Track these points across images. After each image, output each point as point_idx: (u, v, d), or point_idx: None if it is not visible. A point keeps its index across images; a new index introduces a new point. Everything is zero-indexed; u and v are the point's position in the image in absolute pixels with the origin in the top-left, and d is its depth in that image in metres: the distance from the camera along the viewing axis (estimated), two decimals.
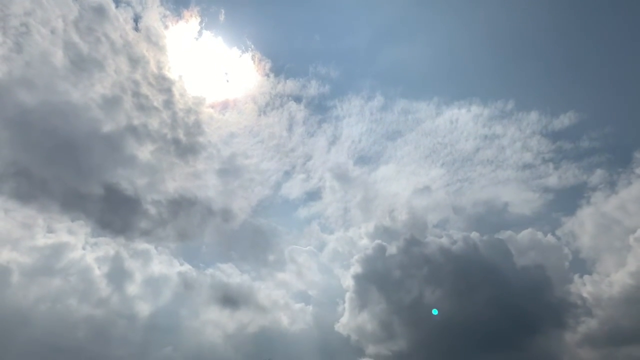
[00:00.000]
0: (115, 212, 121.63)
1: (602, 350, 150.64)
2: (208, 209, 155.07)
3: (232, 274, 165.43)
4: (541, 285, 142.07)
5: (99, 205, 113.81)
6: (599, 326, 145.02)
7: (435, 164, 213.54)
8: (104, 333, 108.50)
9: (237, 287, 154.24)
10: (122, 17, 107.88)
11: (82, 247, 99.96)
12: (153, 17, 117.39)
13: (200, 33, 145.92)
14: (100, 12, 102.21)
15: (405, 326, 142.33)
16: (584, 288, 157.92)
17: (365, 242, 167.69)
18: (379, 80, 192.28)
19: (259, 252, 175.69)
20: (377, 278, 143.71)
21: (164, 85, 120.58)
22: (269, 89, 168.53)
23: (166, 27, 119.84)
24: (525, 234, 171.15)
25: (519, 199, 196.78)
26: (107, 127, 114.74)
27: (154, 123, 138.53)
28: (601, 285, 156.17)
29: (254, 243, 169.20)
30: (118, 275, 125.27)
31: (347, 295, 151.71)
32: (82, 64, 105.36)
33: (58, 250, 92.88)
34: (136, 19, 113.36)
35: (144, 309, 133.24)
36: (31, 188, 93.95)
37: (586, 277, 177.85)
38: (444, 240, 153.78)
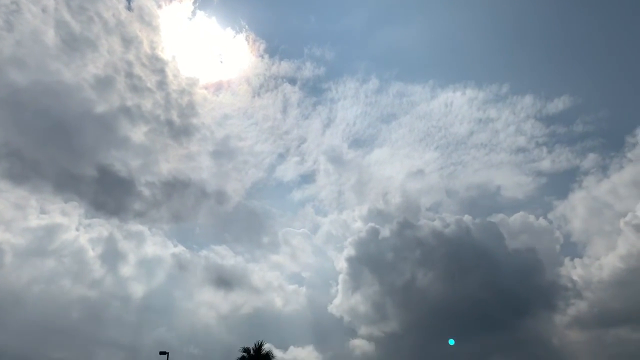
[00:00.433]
0: (108, 194, 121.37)
1: (591, 332, 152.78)
2: (202, 190, 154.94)
3: (226, 256, 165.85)
4: (532, 268, 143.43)
5: (92, 187, 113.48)
6: (589, 308, 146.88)
7: (429, 147, 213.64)
8: (98, 314, 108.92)
9: (231, 269, 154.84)
10: None
11: (76, 228, 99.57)
12: None
13: (193, 13, 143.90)
14: None
15: (398, 308, 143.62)
16: (575, 271, 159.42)
17: (358, 224, 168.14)
18: (375, 62, 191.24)
19: (253, 234, 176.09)
20: (370, 260, 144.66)
21: (157, 65, 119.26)
22: (263, 71, 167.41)
23: (159, 6, 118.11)
24: (517, 217, 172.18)
25: (512, 182, 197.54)
26: (100, 108, 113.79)
27: (147, 104, 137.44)
28: (591, 269, 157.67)
29: (247, 225, 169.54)
30: (112, 256, 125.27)
31: (340, 277, 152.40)
32: (74, 44, 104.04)
33: (51, 231, 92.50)
34: None
35: (137, 290, 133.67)
36: (23, 169, 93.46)
37: (577, 260, 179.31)
38: (437, 224, 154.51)
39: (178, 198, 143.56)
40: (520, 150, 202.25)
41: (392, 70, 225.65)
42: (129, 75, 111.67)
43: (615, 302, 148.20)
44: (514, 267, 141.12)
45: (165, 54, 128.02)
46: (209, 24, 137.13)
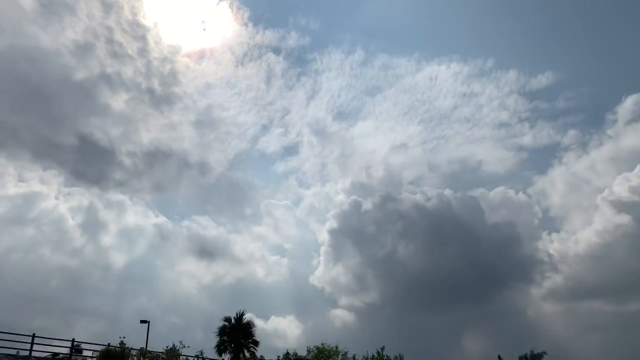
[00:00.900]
0: (89, 162, 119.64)
1: (565, 304, 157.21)
2: (184, 161, 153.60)
3: (208, 227, 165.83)
4: (511, 242, 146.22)
5: (72, 155, 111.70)
6: (564, 281, 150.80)
7: (413, 120, 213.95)
8: (78, 283, 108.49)
9: (213, 240, 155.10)
10: None
11: (55, 196, 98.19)
12: None
13: None
14: None
15: (378, 279, 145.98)
16: (552, 245, 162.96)
17: (341, 197, 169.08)
18: (360, 33, 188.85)
19: (236, 205, 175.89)
20: (352, 233, 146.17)
21: (139, 32, 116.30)
22: (247, 39, 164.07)
23: None
24: (497, 192, 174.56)
25: (494, 157, 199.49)
26: (80, 75, 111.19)
27: (128, 71, 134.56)
28: (568, 243, 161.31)
29: (230, 196, 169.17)
30: (92, 225, 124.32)
31: (322, 249, 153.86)
32: (52, 7, 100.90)
33: (30, 199, 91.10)
34: None
35: (118, 259, 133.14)
36: (0, 136, 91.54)
37: (554, 234, 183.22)
38: (419, 197, 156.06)
39: (159, 168, 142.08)
40: (502, 125, 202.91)
41: (377, 42, 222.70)
42: (109, 41, 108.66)
43: (590, 276, 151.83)
44: (493, 240, 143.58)
45: (146, 20, 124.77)
46: None
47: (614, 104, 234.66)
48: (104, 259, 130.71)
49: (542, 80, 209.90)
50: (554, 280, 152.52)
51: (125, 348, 27.42)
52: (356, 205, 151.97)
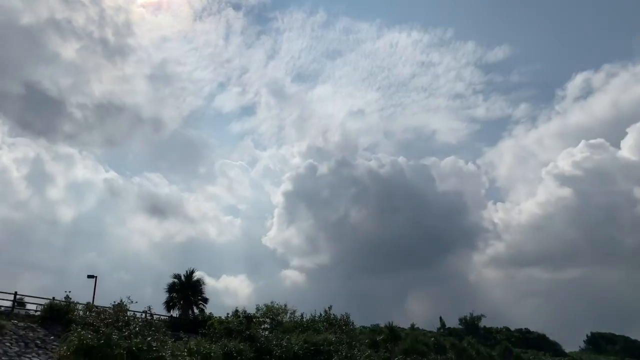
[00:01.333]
0: (36, 113, 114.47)
1: (505, 270, 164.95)
2: (137, 116, 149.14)
3: (160, 184, 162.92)
4: (458, 210, 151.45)
5: (17, 104, 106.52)
6: (505, 249, 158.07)
7: (371, 87, 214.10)
8: (23, 236, 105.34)
9: (165, 197, 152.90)
10: None
11: None
12: None
13: None
14: None
15: (330, 242, 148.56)
16: (496, 214, 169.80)
17: (297, 160, 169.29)
18: None
19: (189, 163, 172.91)
20: (306, 196, 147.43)
21: None
22: None
23: None
24: (448, 161, 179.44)
25: (447, 127, 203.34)
26: (26, 19, 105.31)
27: (79, 19, 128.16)
28: (511, 213, 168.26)
29: (184, 154, 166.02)
30: (39, 178, 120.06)
31: (276, 211, 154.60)
32: None
33: None
34: None
35: (66, 213, 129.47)
36: None
37: (499, 204, 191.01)
38: (373, 164, 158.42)
39: (111, 122, 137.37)
40: (458, 96, 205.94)
41: (340, 4, 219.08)
42: None
43: (530, 245, 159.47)
44: (441, 208, 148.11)
45: None
46: None
47: (565, 80, 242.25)
48: (51, 213, 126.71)
49: (499, 53, 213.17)
50: (496, 247, 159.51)
51: (70, 303, 27.17)
52: (312, 169, 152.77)
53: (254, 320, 32.69)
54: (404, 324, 75.99)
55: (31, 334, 24.02)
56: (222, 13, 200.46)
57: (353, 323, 40.10)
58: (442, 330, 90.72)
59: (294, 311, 37.67)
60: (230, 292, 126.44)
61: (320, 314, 38.98)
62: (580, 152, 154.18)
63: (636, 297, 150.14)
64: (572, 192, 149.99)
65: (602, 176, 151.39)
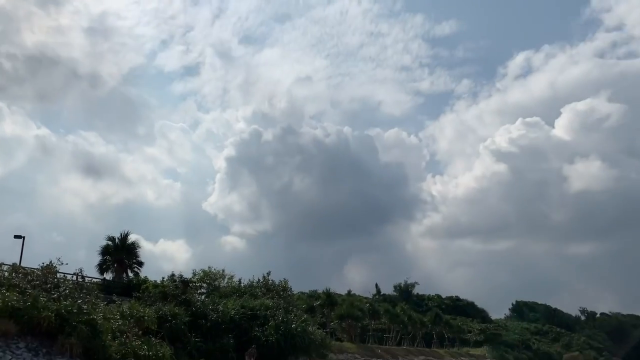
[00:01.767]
0: None
1: (440, 241, 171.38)
2: (72, 70, 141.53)
3: (96, 143, 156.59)
4: (399, 181, 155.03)
5: None
6: (441, 221, 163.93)
7: (320, 54, 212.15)
8: None
9: (101, 157, 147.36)
10: None
11: None
12: None
13: None
14: None
15: (272, 209, 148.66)
16: (434, 187, 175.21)
17: (241, 125, 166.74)
18: None
19: (128, 123, 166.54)
20: (250, 162, 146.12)
21: None
22: None
23: None
24: (391, 133, 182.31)
25: (392, 99, 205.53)
26: None
27: None
28: (449, 186, 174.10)
29: (122, 113, 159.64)
30: None
31: (218, 176, 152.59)
32: None
33: None
34: None
35: None
36: None
37: (438, 177, 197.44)
38: (319, 132, 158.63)
39: (44, 76, 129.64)
40: (404, 68, 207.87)
41: None
42: None
43: (464, 217, 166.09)
44: (383, 179, 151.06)
45: None
46: None
47: (507, 58, 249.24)
48: None
49: (446, 28, 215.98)
50: (433, 219, 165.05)
51: None
52: (256, 135, 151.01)
53: (190, 284, 32.44)
54: (341, 290, 77.85)
55: None
56: None
57: (291, 289, 40.53)
58: (377, 297, 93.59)
59: (232, 277, 37.62)
60: (168, 256, 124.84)
61: (259, 280, 39.12)
62: (516, 129, 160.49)
63: (559, 269, 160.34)
64: (506, 167, 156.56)
65: (536, 153, 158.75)
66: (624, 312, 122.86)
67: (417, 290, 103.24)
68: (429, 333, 70.07)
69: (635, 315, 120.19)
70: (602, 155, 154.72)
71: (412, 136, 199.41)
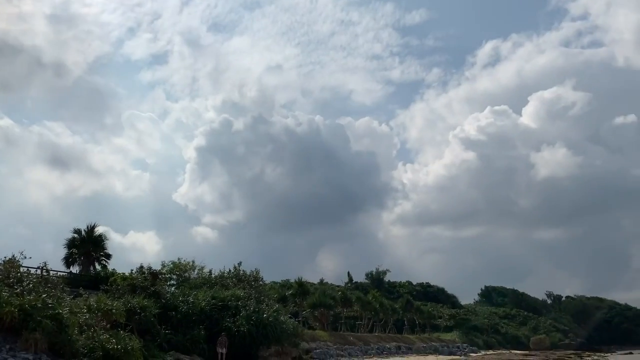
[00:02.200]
0: None
1: (411, 228, 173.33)
2: (36, 59, 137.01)
3: (62, 134, 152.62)
4: (370, 170, 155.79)
5: None
6: (412, 208, 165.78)
7: (290, 42, 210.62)
8: None
9: (67, 148, 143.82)
10: None
11: None
12: None
13: None
14: None
15: (244, 199, 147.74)
16: (405, 175, 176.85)
17: (211, 115, 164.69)
18: None
19: (95, 113, 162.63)
20: (220, 152, 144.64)
21: None
22: None
23: None
24: (362, 122, 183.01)
25: (363, 88, 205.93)
26: None
27: None
28: (419, 174, 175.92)
29: (88, 103, 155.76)
30: None
31: (188, 166, 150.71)
32: None
33: None
34: None
35: None
36: None
37: (408, 165, 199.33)
38: (290, 121, 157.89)
39: (6, 64, 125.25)
40: (375, 57, 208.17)
41: None
42: None
43: (434, 204, 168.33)
44: (354, 167, 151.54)
45: None
46: None
47: (476, 47, 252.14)
48: None
49: (416, 16, 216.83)
50: (403, 207, 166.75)
51: None
52: (227, 124, 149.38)
53: (160, 276, 32.02)
54: (314, 279, 78.30)
55: None
56: None
57: (263, 279, 40.43)
58: (349, 285, 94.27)
59: (202, 268, 37.31)
60: (138, 248, 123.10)
61: (230, 271, 38.87)
62: (485, 117, 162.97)
63: (526, 254, 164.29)
64: (475, 155, 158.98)
65: (504, 141, 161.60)
66: (588, 295, 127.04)
67: (388, 278, 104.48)
68: (400, 319, 71.04)
69: (598, 298, 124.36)
70: (567, 142, 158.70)
71: (383, 125, 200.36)
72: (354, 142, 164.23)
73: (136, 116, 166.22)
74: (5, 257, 24.64)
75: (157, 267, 33.77)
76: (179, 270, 35.68)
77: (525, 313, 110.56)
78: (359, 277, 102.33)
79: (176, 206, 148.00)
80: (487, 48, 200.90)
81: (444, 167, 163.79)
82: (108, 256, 39.16)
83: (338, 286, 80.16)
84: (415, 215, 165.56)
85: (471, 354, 63.62)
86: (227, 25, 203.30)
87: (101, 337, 22.27)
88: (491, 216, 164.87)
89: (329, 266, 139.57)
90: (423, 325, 76.03)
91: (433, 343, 65.33)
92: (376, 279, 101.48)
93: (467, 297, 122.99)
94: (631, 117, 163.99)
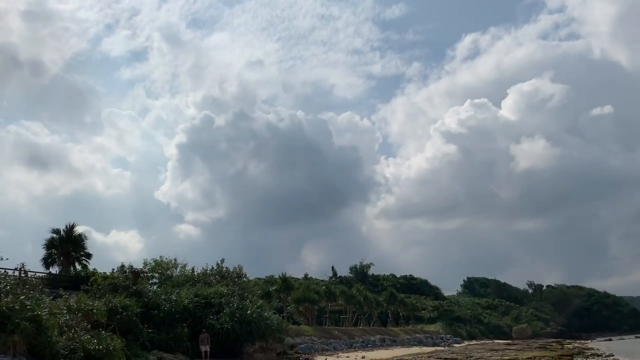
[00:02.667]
0: None
1: (394, 221, 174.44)
2: (11, 57, 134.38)
3: (40, 133, 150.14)
4: (353, 164, 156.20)
5: None
6: (395, 202, 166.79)
7: (271, 37, 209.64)
8: None
9: (46, 148, 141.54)
10: None
11: None
12: None
13: None
14: None
15: (227, 196, 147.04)
16: (388, 169, 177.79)
17: (192, 111, 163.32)
18: None
19: (73, 112, 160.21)
20: (202, 148, 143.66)
21: None
22: None
23: None
24: (344, 116, 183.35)
25: (345, 82, 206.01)
26: None
27: None
28: (401, 167, 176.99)
29: (67, 102, 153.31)
30: None
31: (170, 164, 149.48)
32: None
33: None
34: None
35: None
36: None
37: (391, 159, 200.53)
38: (272, 117, 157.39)
39: None
40: (356, 52, 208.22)
41: None
42: None
43: (416, 197, 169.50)
44: (337, 162, 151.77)
45: None
46: None
47: (455, 41, 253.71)
48: None
49: (396, 11, 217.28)
50: (387, 200, 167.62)
51: None
52: (208, 121, 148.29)
53: (142, 275, 31.65)
54: (298, 274, 78.24)
55: None
56: None
57: (246, 275, 40.22)
58: (333, 279, 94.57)
59: (184, 265, 36.98)
60: (120, 247, 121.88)
61: (213, 268, 38.60)
62: (465, 110, 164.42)
63: (507, 245, 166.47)
64: (456, 148, 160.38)
65: (484, 134, 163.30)
66: (568, 284, 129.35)
67: (372, 271, 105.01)
68: (384, 312, 71.46)
69: (578, 286, 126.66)
70: (546, 134, 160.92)
71: (364, 119, 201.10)
72: (337, 137, 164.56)
73: (116, 114, 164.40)
74: None
75: (139, 265, 33.43)
76: (161, 268, 35.32)
77: (507, 303, 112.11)
78: (343, 272, 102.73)
79: (158, 204, 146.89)
80: (467, 41, 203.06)
81: (426, 161, 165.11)
82: (88, 256, 38.58)
83: (322, 281, 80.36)
84: (398, 209, 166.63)
85: (455, 345, 64.31)
86: (206, 21, 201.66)
87: (82, 337, 21.94)
88: (473, 208, 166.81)
89: (313, 261, 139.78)
90: (407, 318, 76.59)
91: (417, 335, 65.87)
92: (360, 273, 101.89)
93: (450, 288, 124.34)
94: (608, 109, 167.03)
